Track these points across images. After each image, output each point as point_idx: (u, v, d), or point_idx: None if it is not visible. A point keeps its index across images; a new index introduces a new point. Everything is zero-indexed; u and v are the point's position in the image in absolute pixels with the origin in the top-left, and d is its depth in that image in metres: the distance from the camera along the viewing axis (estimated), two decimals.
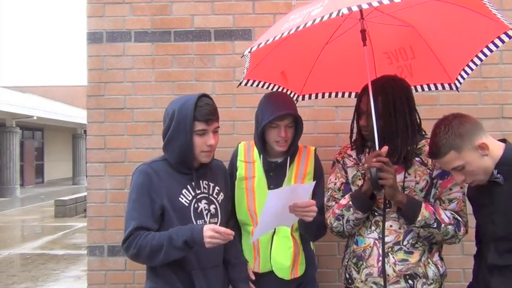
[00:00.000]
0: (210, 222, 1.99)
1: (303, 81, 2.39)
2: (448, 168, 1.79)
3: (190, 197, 1.97)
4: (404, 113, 1.94)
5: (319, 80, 2.39)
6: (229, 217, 2.19)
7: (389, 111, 1.92)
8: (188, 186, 1.98)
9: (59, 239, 9.32)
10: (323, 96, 2.52)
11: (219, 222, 2.04)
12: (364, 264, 1.95)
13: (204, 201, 2.00)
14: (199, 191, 2.01)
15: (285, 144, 2.13)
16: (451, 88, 2.28)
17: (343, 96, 2.53)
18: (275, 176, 2.18)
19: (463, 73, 2.18)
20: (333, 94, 2.53)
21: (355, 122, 2.09)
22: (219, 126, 2.01)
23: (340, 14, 1.50)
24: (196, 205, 1.98)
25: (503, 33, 1.85)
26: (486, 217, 1.81)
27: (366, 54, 1.92)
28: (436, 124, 1.79)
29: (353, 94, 2.50)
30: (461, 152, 1.71)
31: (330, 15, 1.52)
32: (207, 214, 2.00)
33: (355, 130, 2.11)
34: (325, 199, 2.11)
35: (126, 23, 2.95)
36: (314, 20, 1.56)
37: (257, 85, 2.32)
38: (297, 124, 2.16)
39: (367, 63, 1.88)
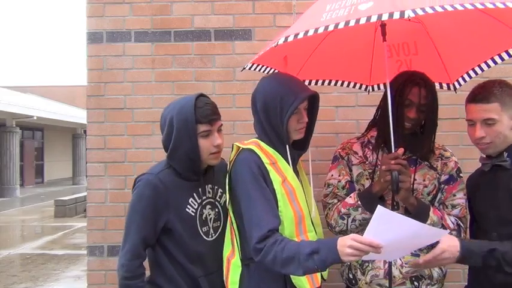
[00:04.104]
0: (213, 227, 1.95)
1: (299, 66, 2.29)
2: (482, 117, 1.76)
3: (197, 205, 1.91)
4: (437, 109, 1.96)
5: (316, 66, 2.32)
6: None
7: (436, 105, 1.92)
8: (194, 194, 1.92)
9: (59, 239, 9.33)
10: (316, 83, 2.45)
11: (221, 226, 2.00)
12: (370, 266, 1.91)
13: (208, 206, 1.96)
14: (205, 197, 1.95)
15: (304, 129, 1.91)
16: (448, 88, 2.29)
17: (335, 84, 2.47)
18: (294, 170, 1.90)
19: (466, 76, 2.18)
20: (326, 82, 2.46)
21: (388, 115, 1.87)
22: (222, 124, 1.93)
23: (406, 17, 1.34)
24: (201, 212, 1.93)
25: None
26: (489, 203, 1.80)
27: (385, 50, 1.84)
28: (487, 81, 1.83)
29: (345, 83, 2.47)
30: (503, 109, 1.74)
31: (391, 15, 1.33)
32: (210, 219, 1.96)
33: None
34: (324, 194, 2.06)
35: (126, 23, 2.94)
36: (369, 17, 1.37)
37: (260, 69, 2.25)
38: (313, 106, 1.95)
39: (386, 59, 1.82)
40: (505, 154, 1.78)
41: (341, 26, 1.44)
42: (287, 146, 1.84)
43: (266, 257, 1.65)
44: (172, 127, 1.84)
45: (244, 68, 2.16)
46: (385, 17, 1.35)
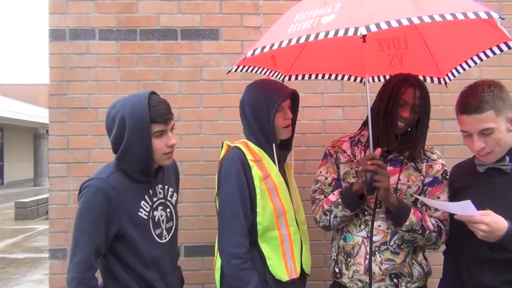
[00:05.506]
0: (166, 228, 1.92)
1: (291, 61, 2.36)
2: (478, 128, 1.69)
3: (148, 207, 1.85)
4: (430, 110, 1.99)
5: (307, 61, 2.36)
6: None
7: (428, 106, 1.95)
8: (146, 196, 1.85)
9: (20, 242, 9.06)
10: (309, 77, 2.51)
11: (174, 226, 1.98)
12: (352, 261, 1.97)
13: (160, 207, 1.90)
14: (156, 198, 1.89)
15: (290, 128, 2.07)
16: (439, 82, 2.35)
17: (329, 78, 2.52)
18: (280, 169, 2.04)
19: (454, 71, 2.25)
20: (320, 75, 2.52)
21: (387, 114, 1.94)
22: (175, 123, 1.90)
23: (359, 34, 1.39)
24: (153, 214, 1.86)
25: (504, 42, 1.92)
26: (480, 207, 1.67)
27: (365, 51, 1.86)
28: (475, 83, 1.75)
29: (339, 76, 2.52)
30: (498, 115, 1.67)
31: (346, 31, 1.41)
32: (163, 221, 1.91)
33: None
34: (313, 190, 2.12)
35: (90, 20, 2.89)
36: (327, 33, 1.45)
37: (246, 70, 2.25)
38: (293, 104, 2.10)
39: (365, 60, 1.85)
40: (507, 158, 1.75)
41: (302, 40, 1.51)
42: (273, 145, 1.99)
43: (235, 273, 1.88)
44: (123, 127, 1.76)
45: (229, 71, 2.15)
46: (341, 33, 1.42)
